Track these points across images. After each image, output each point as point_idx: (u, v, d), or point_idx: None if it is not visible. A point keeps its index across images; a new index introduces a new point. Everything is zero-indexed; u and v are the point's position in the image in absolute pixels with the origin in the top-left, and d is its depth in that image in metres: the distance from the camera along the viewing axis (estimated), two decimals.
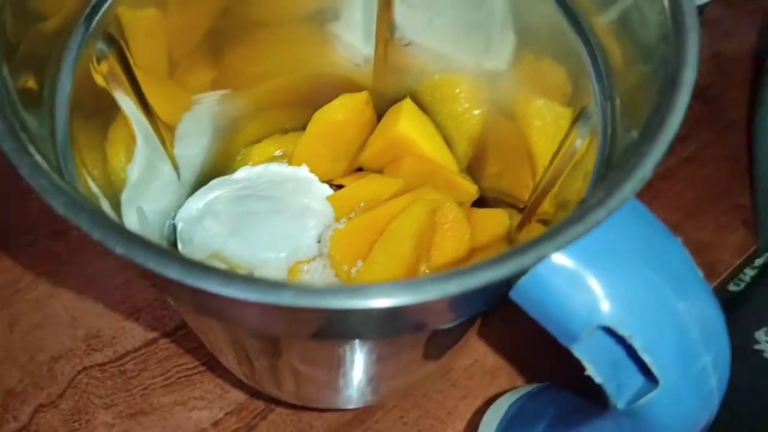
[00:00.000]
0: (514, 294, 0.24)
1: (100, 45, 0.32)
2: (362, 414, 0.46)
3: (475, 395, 0.47)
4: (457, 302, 0.24)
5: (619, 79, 0.31)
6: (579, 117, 0.34)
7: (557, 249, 0.22)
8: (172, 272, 0.20)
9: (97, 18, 0.31)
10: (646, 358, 0.23)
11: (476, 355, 0.48)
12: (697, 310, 0.24)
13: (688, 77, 0.25)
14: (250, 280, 0.20)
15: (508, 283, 0.24)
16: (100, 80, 0.32)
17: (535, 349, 0.48)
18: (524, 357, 0.48)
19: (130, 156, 0.35)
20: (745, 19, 0.65)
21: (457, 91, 0.43)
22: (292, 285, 0.20)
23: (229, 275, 0.20)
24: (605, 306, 0.23)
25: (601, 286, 0.23)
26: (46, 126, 0.28)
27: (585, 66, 0.32)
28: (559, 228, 0.22)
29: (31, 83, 0.26)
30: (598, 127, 0.31)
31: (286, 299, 0.20)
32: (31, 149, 0.22)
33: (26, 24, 0.26)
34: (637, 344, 0.23)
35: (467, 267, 0.21)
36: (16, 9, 0.26)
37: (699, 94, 0.60)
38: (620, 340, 0.24)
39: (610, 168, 0.29)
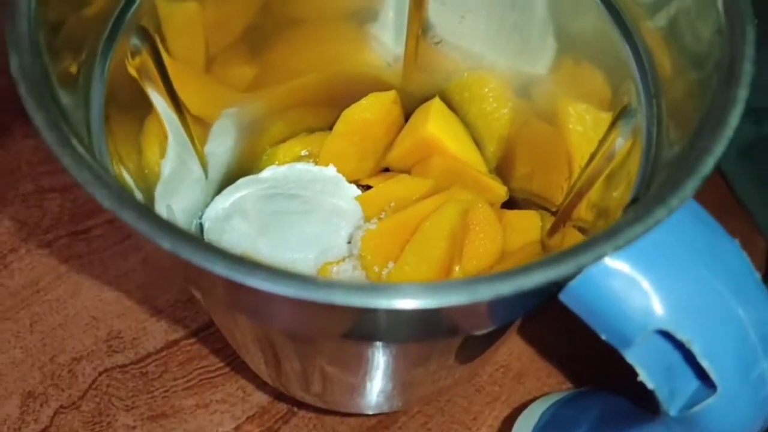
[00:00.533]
0: (564, 296, 0.24)
1: (134, 39, 0.31)
2: (385, 419, 0.45)
3: (502, 401, 0.46)
4: (503, 304, 0.23)
5: (665, 78, 0.30)
6: (620, 116, 0.33)
7: (616, 249, 0.21)
8: (220, 268, 0.20)
9: (132, 9, 0.30)
10: (705, 364, 0.22)
11: (502, 360, 0.47)
12: (756, 314, 0.23)
13: (746, 70, 0.24)
14: (298, 278, 0.20)
15: (558, 284, 0.23)
16: (134, 72, 0.31)
17: (563, 354, 0.47)
18: (551, 362, 0.47)
19: (163, 151, 0.34)
20: None
21: (487, 89, 0.42)
22: (341, 283, 0.20)
23: (277, 272, 0.20)
24: (662, 309, 0.23)
25: (657, 289, 0.23)
26: (81, 116, 0.27)
27: (629, 67, 0.31)
28: (618, 227, 0.21)
29: (72, 69, 0.26)
30: (642, 127, 0.30)
31: (338, 298, 0.20)
32: (74, 141, 0.21)
33: (66, 11, 0.26)
34: (695, 349, 0.22)
35: (521, 267, 0.21)
36: None
37: None
38: (676, 345, 0.23)
39: (657, 169, 0.28)
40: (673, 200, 0.22)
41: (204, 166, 0.40)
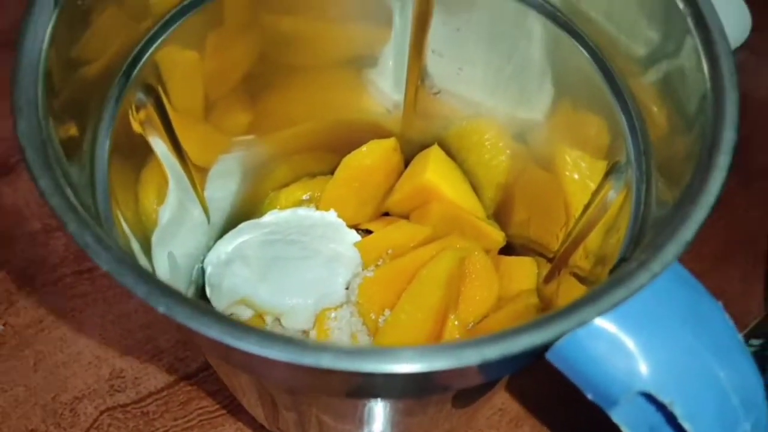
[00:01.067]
0: (551, 356, 0.24)
1: (140, 94, 0.32)
2: None
3: None
4: (492, 365, 0.24)
5: (655, 137, 0.31)
6: (612, 170, 0.34)
7: (600, 314, 0.21)
8: (213, 332, 0.20)
9: (138, 67, 0.31)
10: (687, 426, 0.23)
11: (499, 403, 0.47)
12: (738, 377, 0.24)
13: (729, 138, 0.25)
14: (288, 341, 0.20)
15: (545, 345, 0.24)
16: (137, 126, 0.32)
17: (560, 400, 0.48)
18: (549, 407, 0.47)
19: (161, 198, 0.35)
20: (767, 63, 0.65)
21: (485, 138, 0.43)
22: (330, 347, 0.20)
23: (268, 336, 0.20)
24: (646, 371, 0.23)
25: (641, 350, 0.23)
26: (86, 171, 0.28)
27: (620, 123, 0.32)
28: (601, 291, 0.22)
29: (73, 131, 0.27)
30: (632, 182, 0.31)
31: (325, 362, 0.20)
32: (76, 204, 0.22)
33: (70, 73, 0.27)
34: (677, 411, 0.23)
35: (507, 331, 0.21)
36: (61, 59, 0.26)
37: None
38: (660, 406, 0.23)
39: (646, 226, 0.29)
40: (655, 265, 0.22)
41: (206, 210, 0.41)
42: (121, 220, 0.29)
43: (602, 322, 0.23)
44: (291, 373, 0.23)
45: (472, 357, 0.21)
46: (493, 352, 0.21)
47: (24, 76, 0.24)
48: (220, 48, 0.36)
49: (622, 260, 0.28)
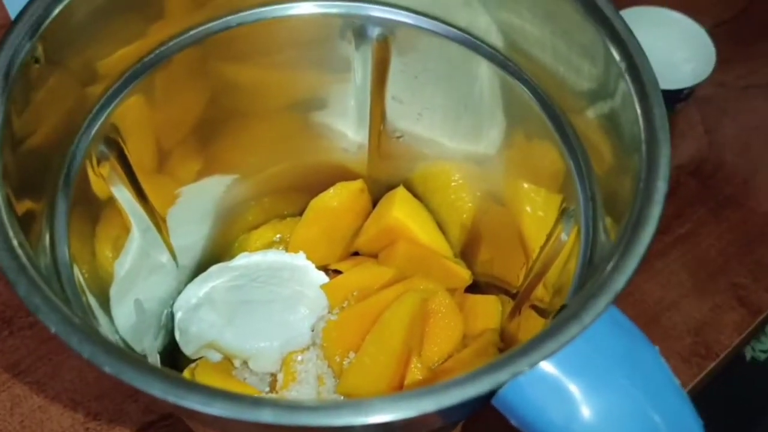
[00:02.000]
0: (496, 402, 0.25)
1: (102, 148, 0.33)
2: None
3: None
4: (435, 414, 0.24)
5: (599, 184, 0.32)
6: (563, 214, 0.35)
7: (531, 365, 0.22)
8: (156, 391, 0.21)
9: (98, 124, 0.32)
10: None
11: None
12: (674, 419, 0.24)
13: (660, 189, 0.26)
14: (229, 398, 0.21)
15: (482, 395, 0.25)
16: (97, 181, 0.33)
17: None
18: None
19: (118, 251, 0.36)
20: (737, 97, 0.66)
21: (449, 180, 0.44)
22: (270, 402, 0.21)
23: (210, 393, 0.21)
24: (584, 416, 0.24)
25: (582, 395, 0.24)
26: (45, 231, 0.29)
27: (568, 165, 0.33)
28: (533, 344, 0.23)
29: (32, 192, 0.28)
30: (580, 226, 0.32)
31: (265, 417, 0.21)
32: (27, 264, 0.23)
33: (27, 138, 0.28)
34: None
35: (442, 384, 0.22)
36: (19, 121, 0.27)
37: (693, 171, 0.62)
38: None
39: (593, 270, 0.30)
40: (586, 317, 0.23)
41: (174, 256, 0.42)
42: (80, 279, 0.30)
43: (545, 367, 0.24)
44: (241, 426, 0.24)
45: (408, 410, 0.21)
46: (430, 405, 0.22)
47: None
48: (171, 98, 0.37)
49: (564, 306, 0.28)
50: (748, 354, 0.69)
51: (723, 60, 0.64)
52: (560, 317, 0.23)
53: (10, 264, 0.23)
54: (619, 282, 0.24)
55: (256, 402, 0.21)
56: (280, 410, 0.21)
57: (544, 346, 0.22)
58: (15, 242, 0.24)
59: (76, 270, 0.30)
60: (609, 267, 0.24)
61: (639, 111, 0.28)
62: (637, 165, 0.27)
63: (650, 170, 0.26)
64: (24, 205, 0.27)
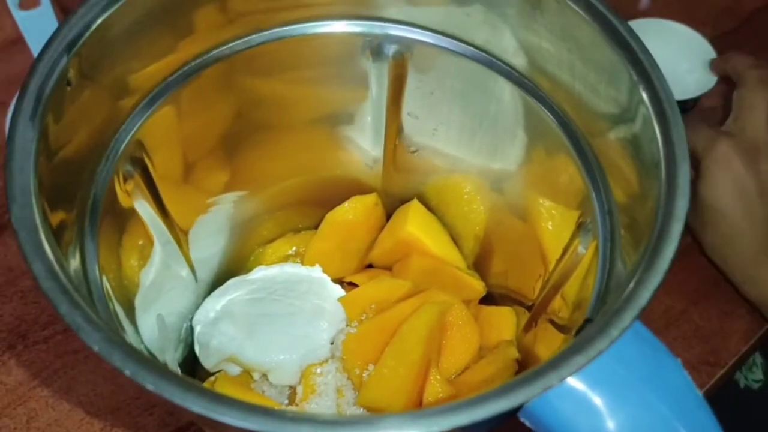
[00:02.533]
0: (523, 415, 0.25)
1: (127, 167, 0.34)
2: None
3: None
4: (466, 428, 0.25)
5: (618, 199, 0.32)
6: (580, 227, 0.35)
7: (561, 380, 0.23)
8: (197, 407, 0.22)
9: (125, 142, 0.33)
10: None
11: None
12: (698, 430, 0.25)
13: (681, 206, 0.26)
14: (268, 413, 0.22)
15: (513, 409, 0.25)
16: (123, 196, 0.34)
17: None
18: None
19: (144, 261, 0.36)
20: None
21: (463, 192, 0.45)
22: (308, 418, 0.22)
23: (249, 409, 0.22)
24: (609, 429, 0.24)
25: (608, 409, 0.25)
26: (77, 246, 0.29)
27: (585, 182, 0.34)
28: (563, 358, 0.23)
29: (64, 210, 0.28)
30: (599, 240, 0.33)
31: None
32: (68, 285, 0.24)
33: (60, 156, 0.28)
34: None
35: (475, 398, 0.22)
36: (52, 142, 0.28)
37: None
38: None
39: (611, 284, 0.30)
40: (613, 331, 0.24)
41: (193, 270, 0.42)
42: (107, 287, 0.31)
43: (572, 380, 0.25)
44: None
45: (443, 424, 0.22)
46: (463, 419, 0.22)
47: (16, 163, 0.25)
48: (198, 112, 0.38)
49: (588, 321, 0.29)
50: (741, 382, 0.69)
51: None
52: (586, 332, 0.24)
53: (50, 285, 0.23)
54: (644, 297, 0.24)
55: (295, 418, 0.21)
56: (319, 426, 0.21)
57: (572, 361, 0.23)
58: (54, 263, 0.24)
59: (104, 279, 0.31)
60: (633, 282, 0.25)
61: (657, 129, 0.28)
62: (655, 182, 0.28)
63: (670, 187, 0.27)
64: (57, 217, 0.28)
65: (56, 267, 0.24)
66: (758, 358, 0.66)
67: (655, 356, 0.26)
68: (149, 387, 0.22)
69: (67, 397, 0.50)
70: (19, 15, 0.54)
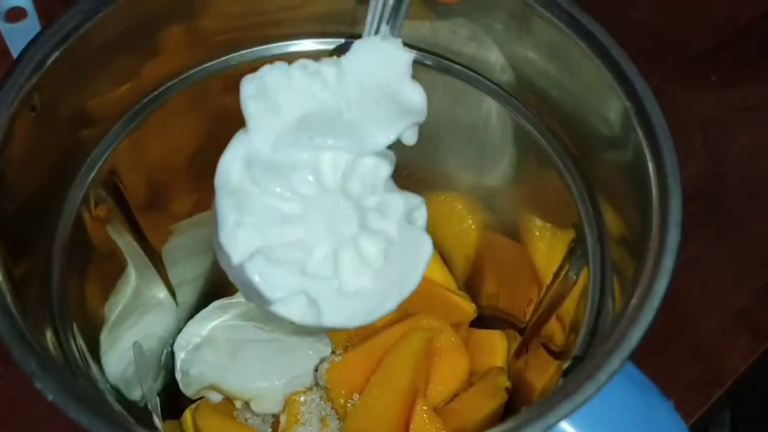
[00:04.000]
0: None
1: (100, 191, 0.33)
2: None
3: None
4: None
5: (609, 223, 0.31)
6: (571, 253, 0.34)
7: (546, 428, 0.22)
8: None
9: (97, 167, 0.32)
10: None
11: None
12: None
13: (673, 238, 0.25)
14: None
15: None
16: (93, 225, 0.33)
17: None
18: None
19: (108, 293, 0.35)
20: (740, 118, 0.66)
21: (454, 211, 0.44)
22: None
23: None
24: None
25: None
26: (38, 281, 0.28)
27: (577, 208, 0.33)
28: (548, 405, 0.22)
29: (24, 261, 0.27)
30: (590, 268, 0.31)
31: None
32: (24, 328, 0.22)
33: (25, 184, 0.27)
34: None
35: None
36: (17, 168, 0.27)
37: (696, 194, 0.61)
38: None
39: (601, 319, 0.29)
40: (601, 376, 0.22)
41: (173, 293, 0.41)
42: (73, 324, 0.30)
43: (563, 424, 0.23)
44: None
45: None
46: None
47: None
48: (170, 134, 0.36)
49: (577, 358, 0.28)
50: None
51: (725, 80, 0.63)
52: (574, 375, 0.23)
53: (4, 326, 0.22)
54: (634, 338, 0.23)
55: None
56: None
57: (560, 408, 0.22)
58: (9, 300, 0.23)
59: (70, 318, 0.29)
60: (623, 321, 0.23)
61: (648, 154, 0.27)
62: (647, 211, 0.26)
63: (663, 219, 0.25)
64: (19, 264, 0.26)
65: (12, 308, 0.23)
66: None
67: (646, 398, 0.24)
68: None
69: (49, 422, 0.48)
70: (4, 27, 0.53)
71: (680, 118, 0.27)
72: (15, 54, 0.51)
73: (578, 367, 0.23)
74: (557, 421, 0.22)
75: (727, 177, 0.62)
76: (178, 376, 0.40)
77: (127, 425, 0.21)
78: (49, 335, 0.26)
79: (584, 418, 0.23)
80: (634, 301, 0.24)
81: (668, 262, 0.24)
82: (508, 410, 0.39)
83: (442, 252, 0.46)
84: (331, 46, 0.36)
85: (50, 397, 0.21)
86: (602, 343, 0.24)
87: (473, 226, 0.44)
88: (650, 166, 0.27)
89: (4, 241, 0.24)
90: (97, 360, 0.32)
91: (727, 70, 0.63)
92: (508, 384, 0.39)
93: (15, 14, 0.53)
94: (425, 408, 0.36)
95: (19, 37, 0.52)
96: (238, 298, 0.43)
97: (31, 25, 0.53)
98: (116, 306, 0.35)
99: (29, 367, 0.21)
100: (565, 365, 0.28)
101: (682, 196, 0.26)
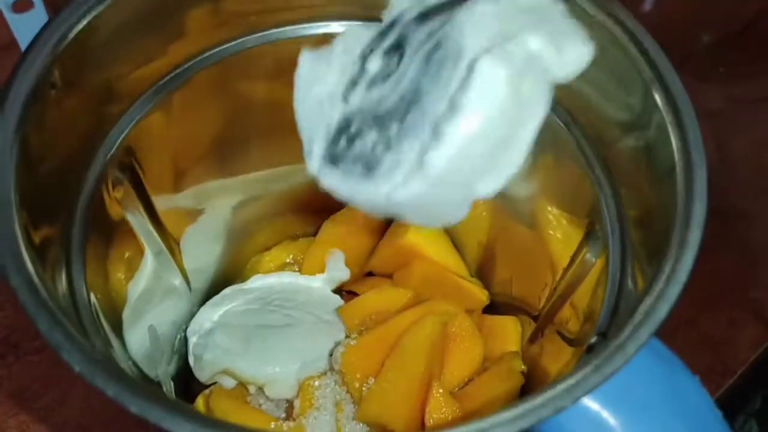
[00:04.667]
0: None
1: (116, 173, 0.32)
2: None
3: None
4: None
5: (630, 208, 0.31)
6: (589, 234, 0.34)
7: (575, 401, 0.21)
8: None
9: (115, 147, 0.32)
10: None
11: None
12: None
13: (699, 212, 0.25)
14: None
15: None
16: (112, 205, 0.32)
17: None
18: None
19: (132, 273, 0.35)
20: (747, 111, 0.66)
21: None
22: None
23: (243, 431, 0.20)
24: None
25: (621, 429, 0.23)
26: (61, 258, 0.28)
27: (595, 190, 0.32)
28: (576, 376, 0.22)
29: (48, 220, 0.27)
30: (609, 249, 0.31)
31: None
32: (48, 300, 0.22)
33: (44, 164, 0.27)
34: None
35: (482, 421, 0.21)
36: (35, 149, 0.26)
37: None
38: None
39: (622, 297, 0.29)
40: (630, 347, 0.22)
41: (187, 279, 0.41)
42: (94, 301, 0.29)
43: (585, 400, 0.23)
44: None
45: None
46: None
47: None
48: (190, 117, 0.36)
49: (600, 335, 0.28)
50: None
51: (732, 73, 0.63)
52: (601, 348, 0.23)
53: (29, 299, 0.22)
54: (662, 310, 0.23)
55: None
56: None
57: (587, 381, 0.22)
58: (34, 276, 0.23)
59: (91, 294, 0.29)
60: (650, 295, 0.23)
61: (672, 134, 0.27)
62: (671, 189, 0.26)
63: (688, 194, 0.25)
64: (41, 233, 0.26)
65: (37, 281, 0.22)
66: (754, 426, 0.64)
67: (672, 373, 0.24)
68: (133, 410, 0.20)
69: (59, 409, 0.48)
70: (12, 18, 0.53)
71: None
72: (22, 44, 0.51)
73: (607, 336, 0.23)
74: (585, 393, 0.22)
75: (734, 168, 0.62)
76: (191, 360, 0.40)
77: (153, 393, 0.21)
78: (71, 311, 0.26)
79: (610, 392, 0.23)
80: (662, 276, 0.24)
81: (695, 237, 0.24)
82: (523, 396, 0.39)
83: (454, 239, 0.45)
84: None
85: (77, 368, 0.21)
86: (628, 319, 0.24)
87: (485, 212, 0.44)
88: (674, 144, 0.27)
89: (26, 212, 0.24)
90: (121, 337, 0.32)
91: (735, 62, 0.63)
92: (523, 368, 0.39)
93: (22, 5, 0.53)
94: (441, 391, 0.36)
95: (26, 27, 0.52)
96: (250, 285, 0.43)
97: (38, 15, 0.53)
98: (138, 287, 0.35)
99: (55, 339, 0.21)
100: (589, 342, 0.28)
101: (706, 174, 0.26)
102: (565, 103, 0.34)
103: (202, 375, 0.40)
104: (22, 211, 0.24)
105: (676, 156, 0.26)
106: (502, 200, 0.42)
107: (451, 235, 0.45)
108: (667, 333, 0.55)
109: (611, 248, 0.31)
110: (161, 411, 0.20)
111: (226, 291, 0.43)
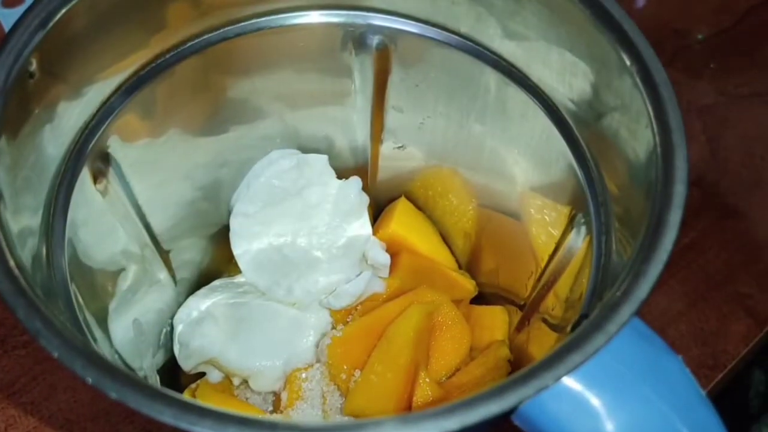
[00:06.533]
0: (517, 418, 0.24)
1: (98, 164, 0.32)
2: None
3: None
4: None
5: (612, 191, 0.31)
6: (573, 220, 0.34)
7: (556, 379, 0.21)
8: (166, 417, 0.20)
9: (95, 138, 0.32)
10: None
11: None
12: (701, 430, 0.24)
13: (680, 192, 0.25)
14: (244, 422, 0.20)
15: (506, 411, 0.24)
16: (94, 196, 0.32)
17: None
18: None
19: (114, 266, 0.35)
20: (738, 106, 0.66)
21: (451, 185, 0.43)
22: (284, 425, 0.20)
23: (224, 417, 0.20)
24: (609, 430, 0.23)
25: (604, 409, 0.23)
26: (42, 249, 0.28)
27: (578, 174, 0.33)
28: (557, 356, 0.22)
29: (28, 211, 0.27)
30: (593, 233, 0.31)
31: None
32: (26, 287, 0.22)
33: (23, 153, 0.27)
34: None
35: (466, 400, 0.21)
36: (14, 136, 0.26)
37: (696, 181, 0.61)
38: None
39: (608, 278, 0.29)
40: (611, 326, 0.22)
41: (172, 273, 0.41)
42: (76, 293, 0.29)
43: (568, 380, 0.23)
44: None
45: (431, 429, 0.21)
46: (453, 423, 0.21)
47: None
48: (172, 110, 0.36)
49: (583, 316, 0.28)
50: None
51: (723, 68, 0.64)
52: (583, 328, 0.23)
53: (7, 287, 0.22)
54: (643, 289, 0.23)
55: (272, 425, 0.20)
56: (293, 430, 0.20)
57: (569, 359, 0.22)
58: (12, 263, 0.23)
59: (73, 286, 0.29)
60: (630, 274, 0.23)
61: (652, 114, 0.27)
62: (651, 169, 0.26)
63: (667, 174, 0.25)
64: (20, 223, 0.26)
65: (15, 270, 0.22)
66: None
67: (654, 353, 0.24)
68: (113, 396, 0.20)
69: (46, 404, 0.48)
70: (2, 12, 0.53)
71: (679, 106, 0.27)
72: None
73: (589, 317, 0.23)
74: (566, 372, 0.22)
75: (725, 163, 0.63)
76: (177, 348, 0.40)
77: (132, 378, 0.20)
78: (52, 300, 0.26)
79: (593, 372, 0.23)
80: (641, 256, 0.24)
81: (675, 218, 0.24)
82: None
83: (441, 230, 0.46)
84: (332, 19, 0.36)
85: (55, 354, 0.21)
86: (609, 299, 0.24)
87: (470, 202, 0.44)
88: (654, 125, 0.27)
89: (5, 201, 0.24)
90: (105, 329, 0.32)
91: (726, 57, 0.63)
92: (510, 356, 0.39)
93: (12, 0, 0.53)
94: (428, 380, 0.36)
95: None
96: (240, 278, 0.43)
97: None
98: (126, 279, 0.35)
99: (34, 326, 0.21)
100: (572, 324, 0.28)
101: (686, 154, 0.26)
102: (545, 87, 0.34)
103: (187, 364, 0.40)
104: (1, 201, 0.24)
105: (656, 137, 0.26)
106: (486, 189, 0.42)
107: (439, 226, 0.45)
108: (657, 326, 0.55)
109: (594, 233, 0.31)
110: (141, 396, 0.20)
111: (216, 283, 0.43)
